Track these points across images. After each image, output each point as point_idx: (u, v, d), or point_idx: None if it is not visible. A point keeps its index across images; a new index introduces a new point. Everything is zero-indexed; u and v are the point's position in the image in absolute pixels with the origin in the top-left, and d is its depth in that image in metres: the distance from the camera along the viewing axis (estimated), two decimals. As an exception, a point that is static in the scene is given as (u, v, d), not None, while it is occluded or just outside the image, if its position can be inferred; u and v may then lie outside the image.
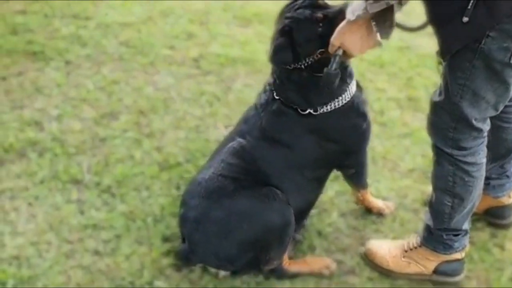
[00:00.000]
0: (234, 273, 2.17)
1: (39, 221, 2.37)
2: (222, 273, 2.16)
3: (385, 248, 2.23)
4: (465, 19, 1.65)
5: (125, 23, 3.70)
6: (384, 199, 2.50)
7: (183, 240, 2.16)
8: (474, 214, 2.19)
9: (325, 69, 1.89)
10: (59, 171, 2.60)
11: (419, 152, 2.77)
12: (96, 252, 2.25)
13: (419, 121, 2.91)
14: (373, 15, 1.78)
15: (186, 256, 2.15)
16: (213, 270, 2.17)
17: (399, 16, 1.83)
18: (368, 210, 2.44)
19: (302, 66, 2.00)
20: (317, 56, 1.96)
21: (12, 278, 2.14)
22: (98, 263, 2.21)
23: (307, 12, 1.96)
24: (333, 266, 2.20)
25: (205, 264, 2.16)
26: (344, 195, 2.52)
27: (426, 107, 2.91)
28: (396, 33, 1.91)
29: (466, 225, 2.13)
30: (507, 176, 2.35)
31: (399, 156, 2.75)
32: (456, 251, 2.15)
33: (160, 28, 3.68)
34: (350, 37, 1.85)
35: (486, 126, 1.95)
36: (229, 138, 2.20)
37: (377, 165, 2.67)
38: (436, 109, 1.94)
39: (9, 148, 2.70)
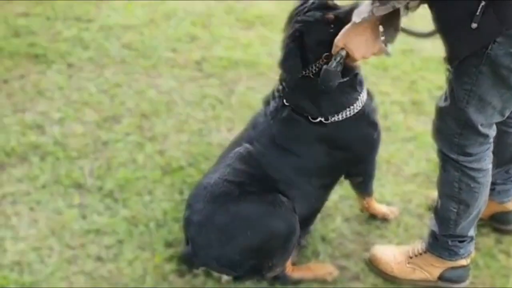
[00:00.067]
0: (237, 278, 2.15)
1: (41, 226, 2.35)
2: (225, 277, 2.15)
3: (390, 254, 2.21)
4: (474, 25, 1.64)
5: (128, 25, 3.69)
6: (388, 204, 2.49)
7: (187, 243, 2.15)
8: (479, 219, 2.17)
9: (324, 66, 1.87)
10: (61, 175, 2.58)
11: (423, 156, 2.75)
12: (99, 258, 2.23)
13: (423, 124, 2.90)
14: (379, 18, 1.77)
15: (189, 259, 2.14)
16: (216, 274, 2.15)
17: (407, 22, 1.82)
18: (372, 216, 2.42)
19: (311, 75, 1.98)
20: (323, 60, 1.94)
21: (14, 284, 2.13)
22: (100, 269, 2.19)
23: (318, 14, 1.94)
24: (336, 272, 2.19)
25: (207, 268, 2.15)
26: (348, 200, 2.50)
27: (430, 110, 2.90)
28: (399, 36, 1.90)
29: (471, 232, 2.11)
30: (512, 181, 2.33)
31: (403, 161, 2.74)
32: (462, 258, 2.13)
33: (162, 30, 3.67)
34: (354, 39, 1.84)
35: (492, 132, 1.94)
36: (236, 143, 2.18)
37: (381, 169, 2.65)
38: (442, 114, 1.93)
39: (11, 152, 2.69)
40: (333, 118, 2.04)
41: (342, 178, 2.34)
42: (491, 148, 1.98)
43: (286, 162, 2.08)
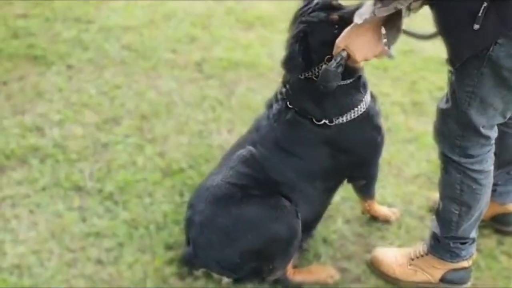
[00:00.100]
0: (237, 281, 2.14)
1: (41, 229, 2.34)
2: (225, 280, 2.15)
3: (391, 256, 2.21)
4: (476, 26, 1.63)
5: (127, 26, 3.68)
6: (389, 205, 2.48)
7: (188, 243, 2.14)
8: (481, 221, 2.17)
9: (324, 66, 1.86)
10: (60, 177, 2.57)
11: (424, 157, 2.74)
12: (99, 261, 2.22)
13: (424, 125, 2.89)
14: (381, 20, 1.76)
15: (189, 260, 2.13)
16: (216, 276, 2.14)
17: (408, 23, 1.81)
18: (373, 218, 2.42)
19: (313, 76, 1.97)
20: (325, 62, 1.92)
21: (14, 288, 2.13)
22: (100, 272, 2.19)
23: (322, 14, 1.93)
24: (337, 275, 2.18)
25: (207, 269, 2.14)
26: (349, 202, 2.49)
27: (430, 111, 2.89)
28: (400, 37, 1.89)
29: (473, 233, 2.10)
30: (514, 183, 2.33)
31: (404, 162, 2.73)
32: (463, 259, 2.13)
33: (162, 31, 3.66)
34: (355, 40, 1.83)
35: (493, 133, 1.93)
36: (239, 146, 2.17)
37: (382, 170, 2.62)
38: (443, 116, 1.92)
39: (10, 155, 2.68)
40: (337, 120, 2.03)
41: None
42: (493, 150, 1.97)
43: (290, 165, 2.07)
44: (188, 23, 3.76)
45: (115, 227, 2.36)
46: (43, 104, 3.01)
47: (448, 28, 1.74)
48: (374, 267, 2.22)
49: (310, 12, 1.95)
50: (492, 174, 2.00)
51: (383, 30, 1.79)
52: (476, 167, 1.94)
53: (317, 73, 1.95)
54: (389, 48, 1.83)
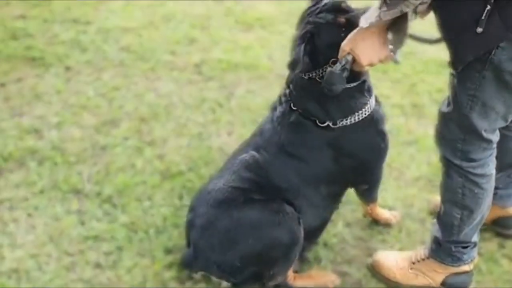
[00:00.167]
0: (237, 285, 2.13)
1: (39, 233, 2.32)
2: (224, 284, 2.13)
3: (392, 259, 2.19)
4: (479, 29, 1.62)
5: (126, 28, 3.67)
6: (390, 208, 2.47)
7: (188, 246, 2.12)
8: (482, 224, 2.16)
9: (329, 68, 1.85)
10: (59, 180, 2.56)
11: (425, 159, 2.73)
12: (97, 265, 2.21)
13: (424, 127, 2.89)
14: (386, 23, 1.74)
15: (189, 263, 2.11)
16: (215, 280, 2.13)
17: (414, 28, 1.79)
18: (374, 221, 2.41)
19: (317, 78, 1.95)
20: (330, 65, 1.91)
21: (12, 292, 2.11)
22: (99, 276, 2.17)
23: (330, 16, 1.92)
24: (338, 281, 2.17)
25: (207, 272, 2.12)
26: (350, 205, 2.48)
27: (430, 113, 2.88)
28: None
29: (475, 237, 2.09)
30: (515, 186, 2.31)
31: (405, 164, 2.72)
32: (465, 263, 2.11)
33: (161, 33, 3.65)
34: (361, 44, 1.81)
35: (495, 137, 1.92)
36: (242, 150, 2.15)
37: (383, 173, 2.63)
38: (445, 120, 1.91)
39: (8, 157, 2.67)
40: (341, 122, 2.02)
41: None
42: (494, 153, 1.96)
43: (293, 169, 2.06)
44: (187, 24, 3.75)
45: (114, 230, 2.34)
46: (41, 106, 3.00)
47: (451, 31, 1.72)
48: (375, 271, 2.21)
49: (318, 13, 1.94)
50: (493, 178, 1.99)
51: (389, 34, 1.78)
52: (478, 171, 1.93)
53: (321, 75, 1.94)
54: (395, 53, 1.81)
